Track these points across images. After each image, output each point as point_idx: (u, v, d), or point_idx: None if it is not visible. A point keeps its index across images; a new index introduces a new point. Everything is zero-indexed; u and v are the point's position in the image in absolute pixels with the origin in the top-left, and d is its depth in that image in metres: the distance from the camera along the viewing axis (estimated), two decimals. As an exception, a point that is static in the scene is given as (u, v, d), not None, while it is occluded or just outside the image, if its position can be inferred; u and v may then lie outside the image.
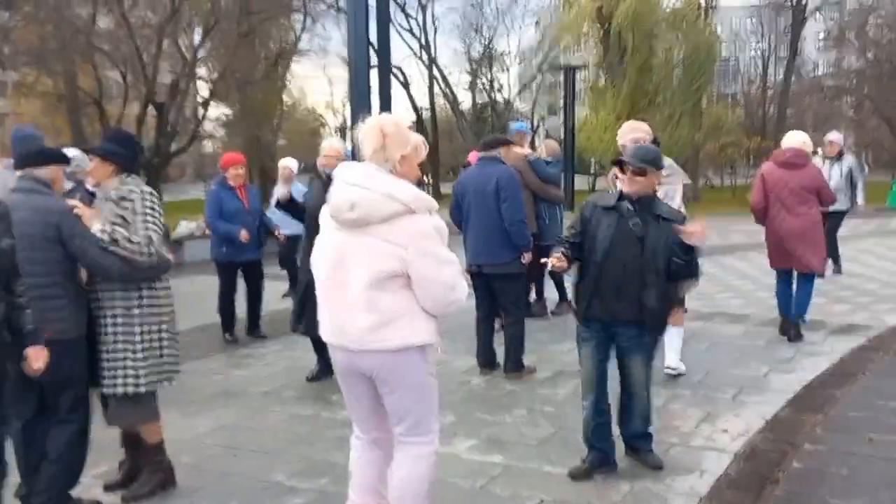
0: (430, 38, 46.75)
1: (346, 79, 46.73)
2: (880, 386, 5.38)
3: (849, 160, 9.78)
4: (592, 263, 3.86)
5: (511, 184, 5.81)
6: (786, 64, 38.61)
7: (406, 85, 47.05)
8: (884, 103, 34.12)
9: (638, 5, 27.02)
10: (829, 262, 9.30)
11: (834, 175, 9.45)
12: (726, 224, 16.06)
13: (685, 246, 3.66)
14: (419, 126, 43.61)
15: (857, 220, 10.59)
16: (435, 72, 46.88)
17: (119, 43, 19.40)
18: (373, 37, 9.49)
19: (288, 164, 9.06)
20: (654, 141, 5.36)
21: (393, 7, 44.41)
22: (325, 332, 3.08)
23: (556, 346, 6.73)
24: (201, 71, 20.97)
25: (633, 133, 5.39)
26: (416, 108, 45.58)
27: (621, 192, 3.89)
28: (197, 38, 20.46)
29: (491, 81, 51.28)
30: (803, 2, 36.88)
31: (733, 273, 10.51)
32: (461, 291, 3.00)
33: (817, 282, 9.69)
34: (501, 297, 5.87)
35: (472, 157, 7.83)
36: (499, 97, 51.46)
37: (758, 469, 4.04)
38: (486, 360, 6.03)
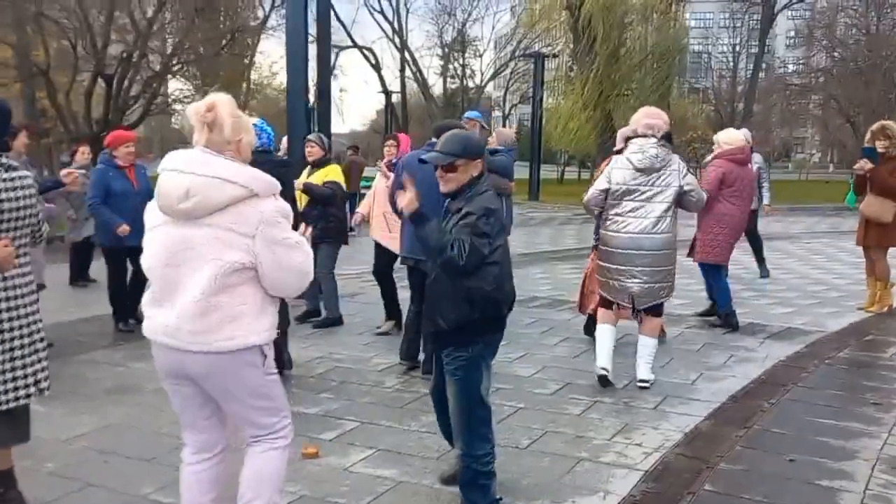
0: (403, 20, 46.09)
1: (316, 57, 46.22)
2: (810, 398, 5.15)
3: (757, 159, 9.57)
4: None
5: None
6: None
7: (377, 67, 46.49)
8: (848, 103, 34.32)
9: (607, -6, 26.77)
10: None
11: None
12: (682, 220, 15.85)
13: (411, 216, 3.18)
14: (389, 110, 43.16)
15: (767, 219, 10.49)
16: (406, 55, 46.40)
17: (69, 12, 18.63)
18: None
19: None
20: (668, 135, 5.12)
21: (366, -15, 43.91)
22: (150, 330, 2.77)
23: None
24: (156, 44, 20.21)
25: (647, 118, 5.14)
26: (386, 91, 45.07)
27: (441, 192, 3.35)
28: (151, 10, 19.70)
29: (463, 67, 50.97)
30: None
31: (680, 271, 10.26)
32: (311, 271, 2.81)
33: (762, 282, 9.59)
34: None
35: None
36: (471, 83, 51.17)
37: (666, 490, 3.76)
38: (409, 354, 5.67)
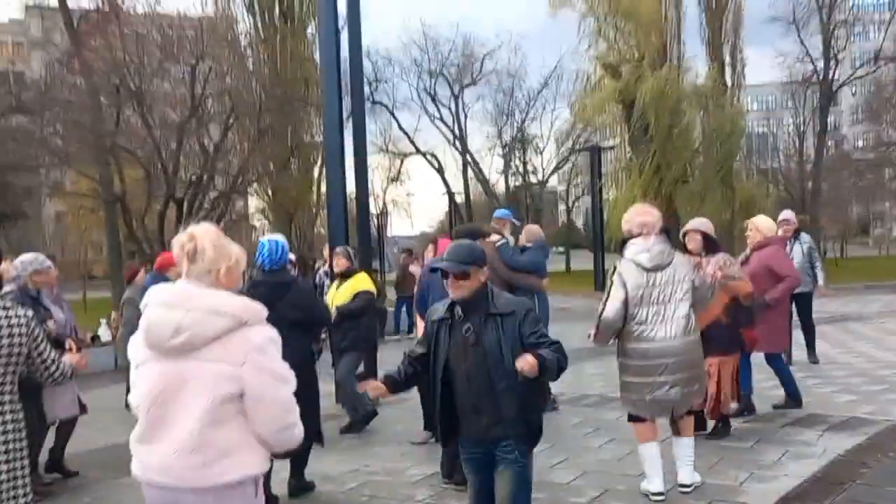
0: (462, 124, 47.43)
1: (384, 166, 47.40)
2: (870, 497, 4.78)
3: (806, 238, 9.23)
4: (436, 383, 3.49)
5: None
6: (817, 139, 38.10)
7: (440, 171, 47.71)
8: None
9: (658, 84, 26.98)
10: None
11: (796, 254, 8.93)
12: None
13: (536, 336, 3.34)
14: (454, 209, 43.95)
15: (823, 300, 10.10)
16: (468, 157, 47.49)
17: (142, 142, 19.92)
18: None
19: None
20: (665, 230, 5.01)
21: (425, 97, 45.63)
22: (142, 469, 2.73)
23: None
24: (222, 166, 21.31)
25: (640, 217, 4.98)
26: (450, 192, 46.01)
27: (452, 300, 3.50)
28: (217, 135, 20.90)
29: (524, 164, 51.77)
30: (830, 77, 36.58)
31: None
32: (296, 413, 2.72)
33: (827, 368, 9.11)
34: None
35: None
36: (532, 178, 51.82)
37: None
38: (450, 472, 5.45)
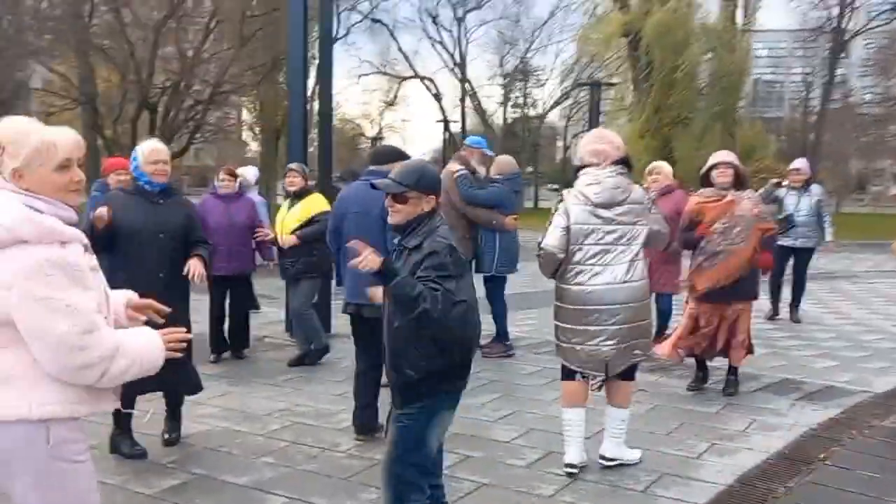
0: (464, 50, 46.04)
1: (383, 89, 46.08)
2: (838, 481, 4.27)
3: (817, 191, 8.63)
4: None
5: None
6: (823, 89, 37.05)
7: (438, 97, 46.66)
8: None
9: (665, 18, 25.90)
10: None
11: (802, 207, 8.43)
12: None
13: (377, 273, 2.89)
14: (450, 140, 42.91)
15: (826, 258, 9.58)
16: (467, 85, 46.25)
17: (117, 42, 18.89)
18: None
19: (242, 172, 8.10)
20: (624, 160, 4.23)
21: (426, 19, 44.11)
22: None
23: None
24: (201, 74, 20.28)
25: (593, 144, 4.26)
26: (446, 121, 44.99)
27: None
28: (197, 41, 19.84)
29: (525, 96, 50.57)
30: (843, 26, 35.30)
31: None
32: (96, 352, 2.13)
33: (809, 329, 8.63)
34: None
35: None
36: (532, 112, 50.71)
37: None
38: (363, 424, 4.89)
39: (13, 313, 2.08)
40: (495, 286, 7.06)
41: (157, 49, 18.67)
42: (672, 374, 6.37)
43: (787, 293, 8.97)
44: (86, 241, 2.27)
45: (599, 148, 4.21)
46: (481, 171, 7.16)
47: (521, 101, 50.35)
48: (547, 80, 49.67)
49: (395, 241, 3.17)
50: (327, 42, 8.80)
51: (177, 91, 19.68)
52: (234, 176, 7.07)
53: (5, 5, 18.89)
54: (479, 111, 47.66)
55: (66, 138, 2.25)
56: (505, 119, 49.72)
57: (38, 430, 2.15)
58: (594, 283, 4.14)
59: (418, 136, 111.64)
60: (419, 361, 3.00)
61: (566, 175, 55.74)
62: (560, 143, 59.35)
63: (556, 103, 49.63)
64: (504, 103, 49.55)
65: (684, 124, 27.75)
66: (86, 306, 2.13)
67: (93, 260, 2.30)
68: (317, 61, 12.19)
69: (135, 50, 18.40)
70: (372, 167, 4.87)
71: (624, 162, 4.22)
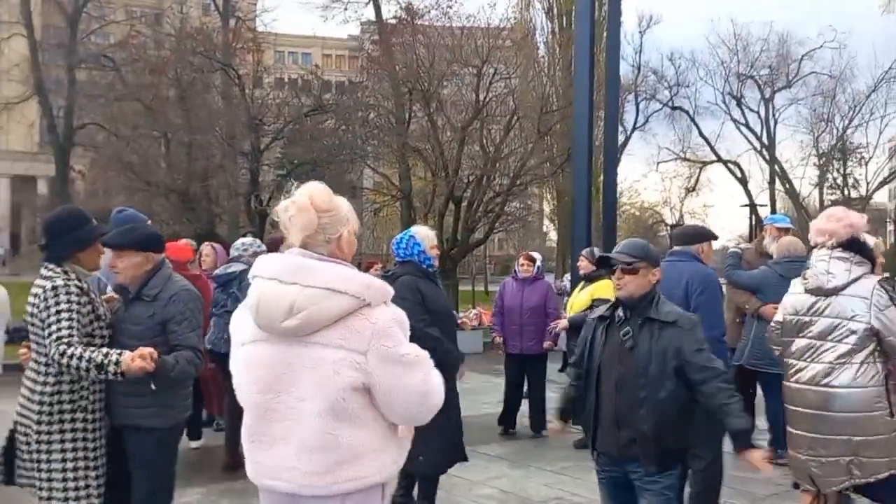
0: (772, 131, 43.79)
1: (683, 175, 45.33)
2: None
3: None
4: (589, 387, 3.13)
5: (707, 286, 4.53)
6: None
7: (743, 181, 44.63)
8: None
9: None
10: None
11: None
12: None
13: (699, 366, 2.94)
14: (757, 224, 40.64)
15: None
16: (776, 167, 43.76)
17: (430, 144, 20.97)
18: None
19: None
20: (854, 242, 3.61)
21: (730, 102, 42.79)
22: (254, 472, 2.44)
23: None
24: (501, 167, 21.70)
25: (820, 222, 3.75)
26: (752, 205, 42.74)
27: (616, 299, 3.27)
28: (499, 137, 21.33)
29: (844, 176, 46.45)
30: None
31: None
32: (437, 393, 2.33)
33: None
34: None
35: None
36: (853, 193, 46.30)
37: None
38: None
39: (371, 374, 2.27)
40: (766, 384, 6.19)
41: (462, 147, 20.31)
42: None
43: None
44: None
45: (824, 227, 3.72)
46: (772, 249, 6.71)
47: (839, 181, 46.23)
48: (871, 158, 44.94)
49: (618, 312, 3.16)
50: (612, 131, 8.99)
51: (479, 184, 21.11)
52: (531, 261, 7.47)
53: (341, 118, 22.01)
54: (791, 194, 44.56)
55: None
56: (822, 201, 45.87)
57: (378, 494, 2.37)
58: (797, 381, 3.69)
59: (721, 222, 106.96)
60: (684, 434, 3.09)
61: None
62: (891, 228, 53.36)
63: (884, 182, 44.80)
64: (819, 185, 45.85)
65: None
66: (423, 352, 2.38)
67: None
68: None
69: (444, 150, 20.21)
70: (676, 248, 4.88)
71: (853, 244, 3.65)
